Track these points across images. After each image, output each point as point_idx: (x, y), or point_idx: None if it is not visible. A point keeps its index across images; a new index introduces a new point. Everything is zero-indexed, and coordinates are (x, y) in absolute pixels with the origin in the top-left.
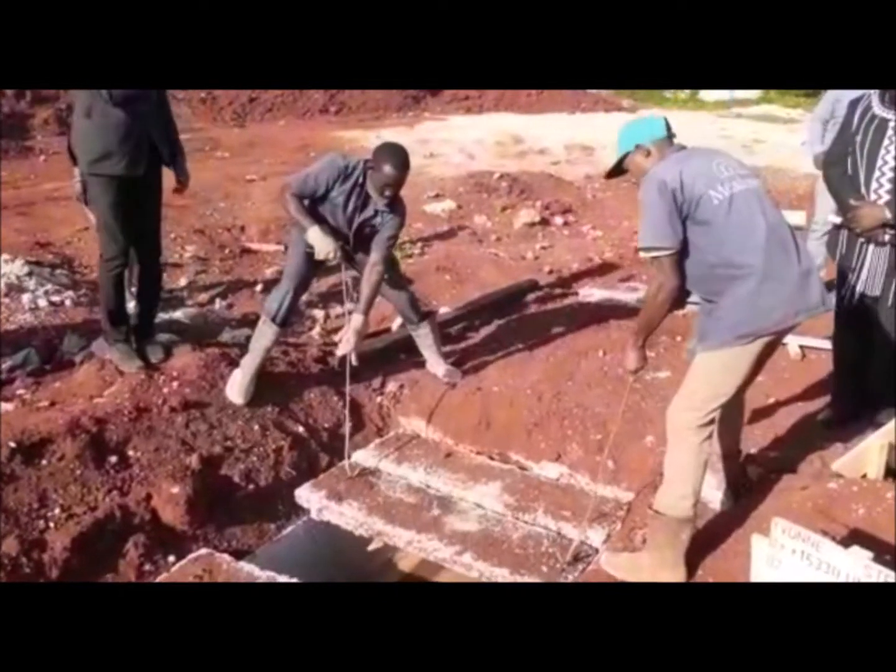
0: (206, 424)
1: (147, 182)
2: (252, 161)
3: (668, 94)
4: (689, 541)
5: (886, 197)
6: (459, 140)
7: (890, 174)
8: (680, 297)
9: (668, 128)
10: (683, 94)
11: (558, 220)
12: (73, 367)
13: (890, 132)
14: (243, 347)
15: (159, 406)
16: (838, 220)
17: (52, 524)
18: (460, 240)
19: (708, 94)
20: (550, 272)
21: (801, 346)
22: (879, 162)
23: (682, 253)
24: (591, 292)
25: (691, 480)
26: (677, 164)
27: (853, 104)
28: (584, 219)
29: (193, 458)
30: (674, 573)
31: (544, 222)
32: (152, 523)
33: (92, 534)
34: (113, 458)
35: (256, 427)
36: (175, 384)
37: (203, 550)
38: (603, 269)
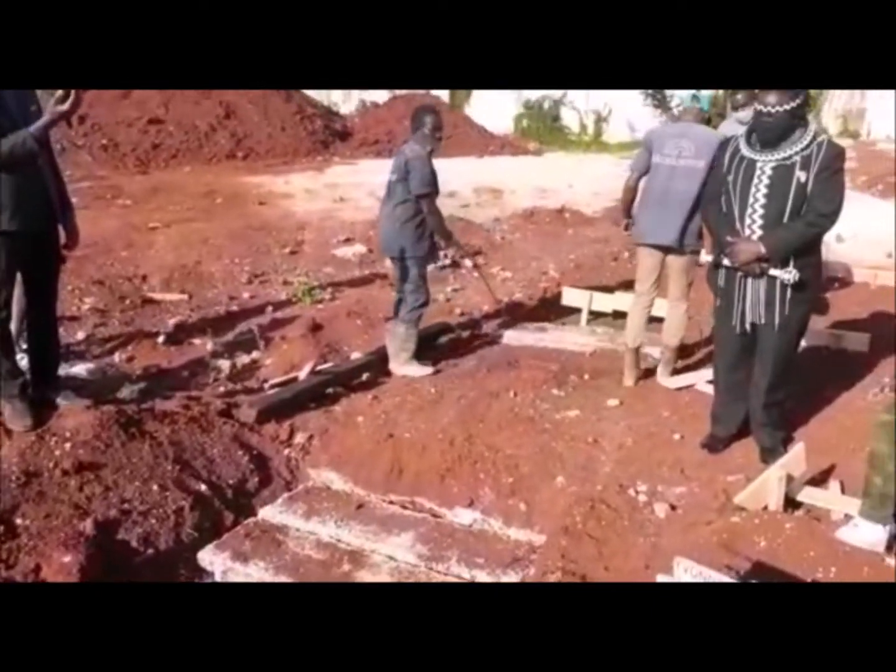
0: (101, 487)
1: (48, 238)
2: (156, 208)
3: (573, 136)
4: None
5: (759, 232)
6: (369, 184)
7: (761, 211)
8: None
9: (704, 104)
10: (587, 136)
11: (468, 262)
12: None
13: (758, 171)
14: (140, 403)
15: (50, 469)
16: (710, 258)
17: None
18: (371, 284)
19: (611, 137)
20: (462, 314)
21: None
22: (751, 199)
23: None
24: (501, 333)
25: None
26: (664, 131)
27: (723, 145)
28: (493, 261)
29: (87, 523)
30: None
31: (455, 265)
32: None
33: None
34: None
35: (155, 487)
36: (68, 445)
37: None
38: (513, 310)
